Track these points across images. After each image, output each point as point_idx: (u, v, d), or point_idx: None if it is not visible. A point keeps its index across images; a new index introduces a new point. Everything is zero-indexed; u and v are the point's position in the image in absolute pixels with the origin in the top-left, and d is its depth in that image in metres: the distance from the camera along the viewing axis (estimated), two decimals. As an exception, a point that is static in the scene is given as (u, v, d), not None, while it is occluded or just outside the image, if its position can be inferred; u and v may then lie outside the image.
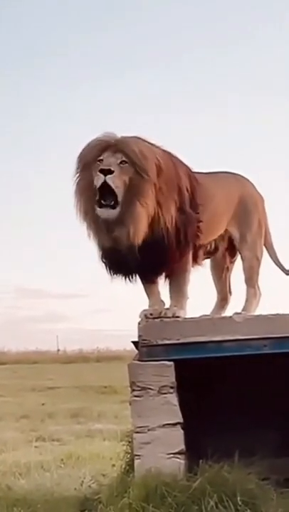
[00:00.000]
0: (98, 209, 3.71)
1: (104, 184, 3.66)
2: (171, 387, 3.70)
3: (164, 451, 3.64)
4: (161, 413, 3.68)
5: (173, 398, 3.70)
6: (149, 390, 3.70)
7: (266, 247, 4.46)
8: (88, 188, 3.76)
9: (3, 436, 7.47)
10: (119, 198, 3.67)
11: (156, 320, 3.83)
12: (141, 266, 3.82)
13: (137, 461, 3.67)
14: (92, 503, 3.81)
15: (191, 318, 3.92)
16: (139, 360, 3.77)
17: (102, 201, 3.69)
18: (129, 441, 4.05)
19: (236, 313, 4.01)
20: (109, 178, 3.65)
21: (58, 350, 26.44)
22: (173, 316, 3.85)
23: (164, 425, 3.67)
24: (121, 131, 3.83)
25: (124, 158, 3.70)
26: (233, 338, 3.78)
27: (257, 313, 4.20)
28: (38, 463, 5.67)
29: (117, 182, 3.66)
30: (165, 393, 3.69)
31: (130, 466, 3.88)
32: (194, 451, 3.70)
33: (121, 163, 3.69)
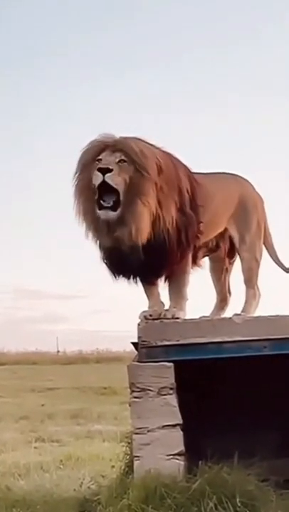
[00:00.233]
0: (98, 211, 3.70)
1: (103, 183, 3.66)
2: (171, 389, 3.70)
3: (164, 453, 3.64)
4: (160, 414, 3.68)
5: (172, 399, 3.70)
6: (149, 391, 3.70)
7: (267, 248, 4.47)
8: (87, 188, 3.76)
9: (3, 437, 7.47)
10: (121, 197, 3.66)
11: (155, 321, 3.83)
12: (141, 266, 3.82)
13: (136, 463, 3.66)
14: (91, 504, 3.80)
15: (191, 319, 3.92)
16: (138, 362, 3.77)
17: (102, 201, 3.69)
18: (129, 443, 4.05)
19: (236, 315, 4.01)
20: (108, 177, 3.65)
21: (58, 351, 26.46)
22: (172, 318, 3.85)
23: (163, 426, 3.67)
24: (121, 131, 3.84)
25: (123, 157, 3.69)
26: (232, 339, 3.78)
27: (257, 314, 4.21)
28: (37, 464, 5.67)
29: (116, 180, 3.65)
30: (165, 394, 3.69)
31: (130, 467, 3.88)
32: (194, 452, 3.69)
33: (120, 161, 3.69)
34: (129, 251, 3.74)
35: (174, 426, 3.68)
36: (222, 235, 4.31)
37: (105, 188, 3.67)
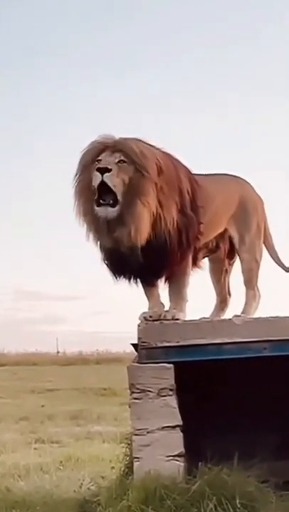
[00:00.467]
0: (96, 208, 3.70)
1: (102, 183, 3.66)
2: (171, 390, 3.70)
3: (164, 454, 3.64)
4: (160, 415, 3.68)
5: (172, 401, 3.70)
6: (149, 393, 3.70)
7: (267, 249, 4.47)
8: (87, 188, 3.76)
9: (3, 438, 7.46)
10: (118, 197, 3.66)
11: (155, 322, 3.83)
12: (142, 267, 3.82)
13: (136, 464, 3.66)
14: (91, 505, 3.80)
15: (191, 320, 3.92)
16: (138, 363, 3.77)
17: (101, 200, 3.69)
18: (129, 444, 4.05)
19: (236, 316, 4.01)
20: (106, 177, 3.65)
21: (58, 352, 26.46)
22: (172, 319, 3.85)
23: (163, 428, 3.67)
24: (121, 131, 3.85)
25: (122, 158, 3.70)
26: (232, 340, 3.78)
27: (256, 315, 4.21)
28: (37, 465, 5.66)
29: (114, 180, 3.65)
30: (164, 395, 3.69)
31: (129, 468, 3.88)
32: (193, 453, 3.69)
33: (119, 162, 3.69)
34: (129, 252, 3.75)
35: (173, 427, 3.68)
36: (222, 235, 4.31)
37: (105, 188, 3.67)
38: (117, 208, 3.67)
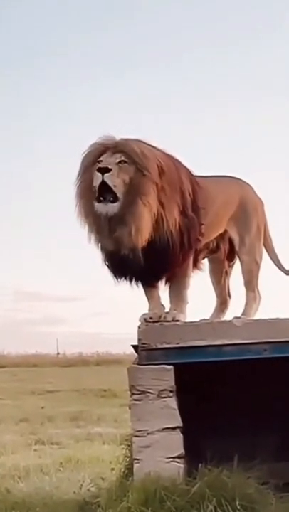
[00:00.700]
0: (96, 204, 3.70)
1: (103, 183, 3.67)
2: (171, 391, 3.70)
3: (164, 455, 3.64)
4: (160, 417, 3.68)
5: (172, 402, 3.70)
6: (149, 394, 3.70)
7: (267, 251, 4.47)
8: (88, 189, 3.76)
9: (3, 440, 7.46)
10: (119, 195, 3.67)
11: (155, 324, 3.83)
12: (143, 269, 3.82)
13: (136, 465, 3.67)
14: (91, 507, 3.80)
15: (191, 322, 3.92)
16: (138, 364, 3.78)
17: (101, 198, 3.69)
18: (129, 445, 4.05)
19: (236, 318, 4.02)
20: (106, 177, 3.66)
21: (58, 353, 26.44)
22: (173, 320, 3.85)
23: (163, 429, 3.67)
24: (121, 132, 3.85)
25: (123, 158, 3.70)
26: (232, 342, 3.78)
27: (257, 317, 4.21)
28: (37, 466, 5.66)
29: (115, 180, 3.66)
30: (164, 397, 3.70)
31: (129, 469, 3.88)
32: (194, 455, 3.69)
33: (120, 162, 3.70)
34: (130, 253, 3.75)
35: (173, 429, 3.68)
36: (222, 236, 4.31)
37: (105, 188, 3.68)
38: (117, 203, 3.67)
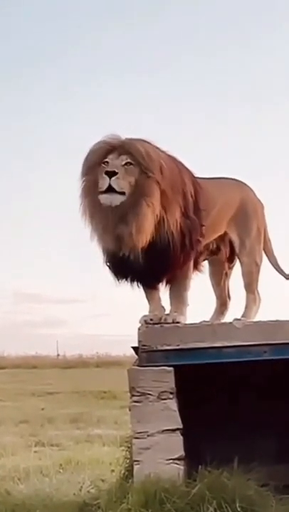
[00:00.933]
0: (101, 196, 3.70)
1: (110, 186, 3.67)
2: (171, 393, 3.70)
3: (164, 457, 3.64)
4: (160, 419, 3.68)
5: (172, 404, 3.70)
6: (149, 396, 3.70)
7: (266, 254, 4.47)
8: (93, 190, 3.76)
9: (3, 441, 7.46)
10: (125, 199, 3.67)
11: (156, 325, 3.83)
12: (144, 270, 3.82)
13: (136, 467, 3.67)
14: (91, 509, 3.80)
15: (191, 324, 3.92)
16: (138, 366, 3.78)
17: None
18: (129, 447, 4.05)
19: (236, 320, 4.02)
20: (113, 181, 3.66)
21: (58, 355, 26.43)
22: (173, 322, 3.86)
23: (163, 431, 3.67)
24: (121, 132, 3.85)
25: (129, 160, 3.71)
26: (232, 344, 3.78)
27: (257, 319, 4.21)
28: (37, 468, 5.66)
29: (121, 184, 3.67)
30: (165, 399, 3.70)
31: (129, 471, 3.88)
32: (194, 456, 3.70)
33: (126, 164, 3.70)
34: (130, 253, 3.75)
35: (173, 430, 3.68)
36: (222, 238, 4.32)
37: (112, 191, 3.67)
38: (122, 196, 3.67)
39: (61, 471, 5.60)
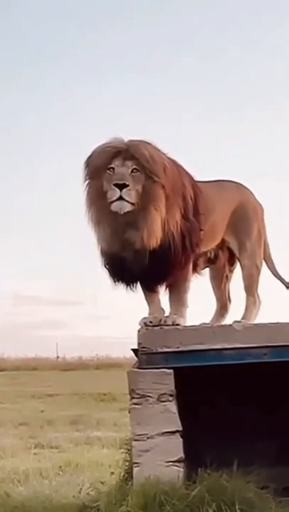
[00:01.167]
0: (112, 204, 3.68)
1: (120, 197, 3.67)
2: (171, 395, 3.70)
3: (163, 459, 3.64)
4: (160, 421, 3.68)
5: (172, 406, 3.70)
6: (149, 398, 3.70)
7: (264, 259, 4.46)
8: (100, 196, 3.75)
9: (2, 443, 7.46)
10: (135, 207, 3.69)
11: (156, 328, 3.84)
12: (145, 272, 3.82)
13: (135, 469, 3.66)
14: (90, 511, 3.80)
15: (191, 326, 3.92)
16: (138, 368, 3.78)
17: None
18: (128, 449, 4.05)
19: (236, 322, 4.02)
20: (124, 193, 3.66)
21: (58, 357, 26.37)
22: (173, 324, 3.86)
23: (163, 433, 3.67)
24: (121, 132, 3.85)
25: (135, 166, 3.71)
26: (232, 346, 3.78)
27: (257, 321, 4.21)
28: (36, 470, 5.66)
29: (132, 194, 3.67)
30: (164, 401, 3.70)
31: (129, 473, 3.88)
32: (193, 459, 3.70)
33: (132, 171, 3.70)
34: (135, 257, 3.75)
35: (173, 433, 3.68)
36: (220, 245, 4.31)
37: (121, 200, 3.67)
38: (132, 204, 3.67)
39: (61, 473, 5.60)
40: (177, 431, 3.68)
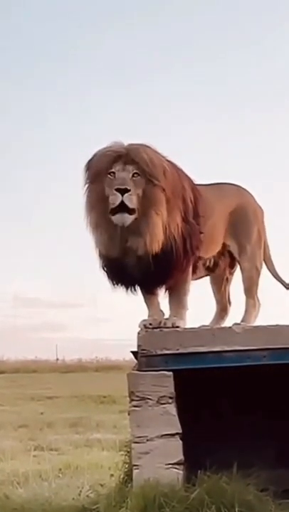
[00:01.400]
0: (114, 216, 3.69)
1: (122, 203, 3.67)
2: (170, 398, 3.70)
3: (163, 462, 3.64)
4: (160, 423, 3.68)
5: (172, 408, 3.70)
6: (148, 400, 3.70)
7: (265, 261, 4.47)
8: (100, 200, 3.75)
9: (2, 445, 7.45)
10: (136, 212, 3.69)
11: (155, 330, 3.84)
12: (146, 275, 3.82)
13: (135, 471, 3.66)
14: (90, 513, 3.80)
15: (191, 328, 3.92)
16: (138, 370, 3.78)
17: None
18: (128, 451, 4.05)
19: (236, 324, 4.02)
20: (126, 198, 3.66)
21: (57, 359, 26.36)
22: (172, 326, 3.86)
23: (162, 435, 3.67)
24: (121, 134, 3.86)
25: (135, 170, 3.71)
26: (232, 348, 3.78)
27: (256, 323, 4.21)
28: (36, 472, 5.66)
29: (133, 199, 3.68)
30: (164, 403, 3.70)
31: (129, 476, 3.88)
32: (193, 461, 3.69)
33: (133, 175, 3.70)
34: (137, 261, 3.75)
35: (173, 435, 3.68)
36: (220, 252, 4.31)
37: (124, 206, 3.67)
38: (133, 215, 3.68)
39: (60, 475, 5.60)
40: (177, 433, 3.68)
